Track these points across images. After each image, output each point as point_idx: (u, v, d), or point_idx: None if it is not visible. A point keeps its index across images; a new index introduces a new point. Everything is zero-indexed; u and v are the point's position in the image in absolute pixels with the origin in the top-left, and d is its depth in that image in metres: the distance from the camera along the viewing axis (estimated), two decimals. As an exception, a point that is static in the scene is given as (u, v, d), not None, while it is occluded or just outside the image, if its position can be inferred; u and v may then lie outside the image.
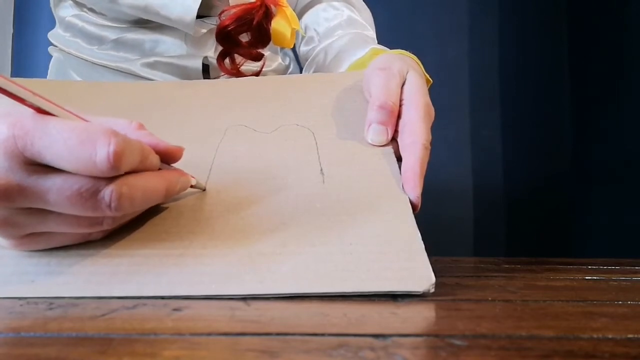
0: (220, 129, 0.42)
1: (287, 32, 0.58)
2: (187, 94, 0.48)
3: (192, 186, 0.35)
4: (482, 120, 1.38)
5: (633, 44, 1.22)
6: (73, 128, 0.25)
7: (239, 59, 0.60)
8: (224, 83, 0.52)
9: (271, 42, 0.59)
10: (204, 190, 0.36)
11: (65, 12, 0.63)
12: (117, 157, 0.26)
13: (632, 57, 1.21)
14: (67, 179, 0.26)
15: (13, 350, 0.18)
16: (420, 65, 0.47)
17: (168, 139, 0.34)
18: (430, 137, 0.40)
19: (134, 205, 0.29)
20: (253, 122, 0.43)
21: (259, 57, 0.61)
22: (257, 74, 0.63)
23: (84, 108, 0.42)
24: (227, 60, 0.59)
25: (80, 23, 0.61)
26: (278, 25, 0.58)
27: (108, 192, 0.27)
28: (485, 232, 1.37)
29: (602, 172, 1.29)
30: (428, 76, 0.47)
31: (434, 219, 1.26)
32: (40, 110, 0.26)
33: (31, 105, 0.26)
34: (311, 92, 0.47)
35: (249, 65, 0.62)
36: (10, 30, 1.15)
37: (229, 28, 0.56)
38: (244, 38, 0.59)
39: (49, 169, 0.26)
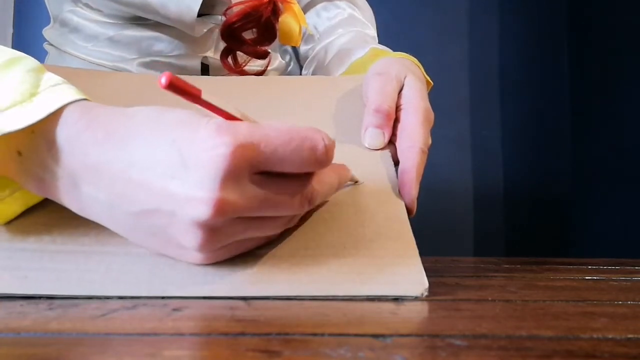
0: None
1: (295, 30, 0.58)
2: None
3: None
4: (482, 120, 1.38)
5: (633, 44, 1.22)
6: (287, 131, 0.27)
7: (243, 57, 0.59)
8: (225, 81, 0.51)
9: (275, 40, 0.59)
10: (356, 183, 0.36)
11: (60, 7, 0.62)
12: (331, 149, 0.28)
13: (632, 57, 1.21)
14: (282, 183, 0.27)
15: (13, 350, 0.18)
16: (420, 68, 0.47)
17: None
18: (429, 142, 0.40)
19: (319, 201, 0.31)
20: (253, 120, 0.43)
21: (264, 55, 0.60)
22: (262, 73, 0.63)
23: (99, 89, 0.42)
24: (230, 59, 0.59)
25: (75, 19, 0.60)
26: (286, 22, 0.58)
27: (309, 189, 0.29)
28: (485, 232, 1.37)
29: (601, 172, 1.29)
30: (429, 78, 0.47)
31: (434, 219, 1.26)
32: (230, 117, 0.27)
33: (225, 114, 0.27)
34: (311, 94, 0.47)
35: (251, 66, 0.61)
36: (10, 30, 1.15)
37: (236, 25, 0.56)
38: (248, 35, 0.58)
39: (266, 176, 0.27)
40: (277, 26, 0.58)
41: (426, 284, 0.30)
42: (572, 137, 1.38)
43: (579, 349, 0.19)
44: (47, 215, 0.32)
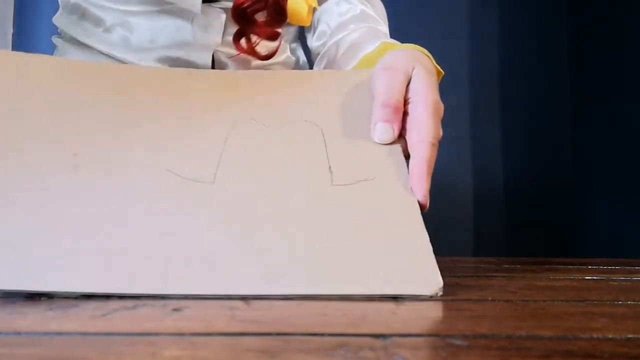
0: (229, 121, 0.42)
1: (304, 10, 0.58)
2: (197, 82, 0.47)
3: None
4: (482, 120, 1.38)
5: (633, 44, 1.22)
6: None
7: (254, 38, 0.60)
8: (234, 74, 0.51)
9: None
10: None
11: None
12: None
13: (633, 57, 1.21)
14: None
15: (13, 350, 0.18)
16: (430, 58, 0.46)
17: (175, 127, 0.38)
18: (440, 134, 0.40)
19: None
20: (262, 116, 0.43)
21: (275, 36, 0.61)
22: (273, 53, 0.63)
23: (89, 89, 0.43)
24: (243, 41, 0.59)
25: (84, 5, 0.62)
26: (294, 2, 0.58)
27: None
28: (485, 232, 1.37)
29: (602, 171, 1.29)
30: (439, 68, 0.47)
31: (434, 219, 1.25)
32: None
33: None
34: (320, 88, 0.47)
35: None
36: (10, 30, 1.15)
37: (245, 5, 0.57)
38: (260, 18, 0.59)
39: None
40: (287, 7, 0.58)
41: (441, 282, 0.29)
42: (572, 137, 1.38)
43: (579, 349, 0.19)
44: (53, 210, 0.32)
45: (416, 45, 0.47)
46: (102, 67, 0.49)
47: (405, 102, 0.41)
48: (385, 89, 0.41)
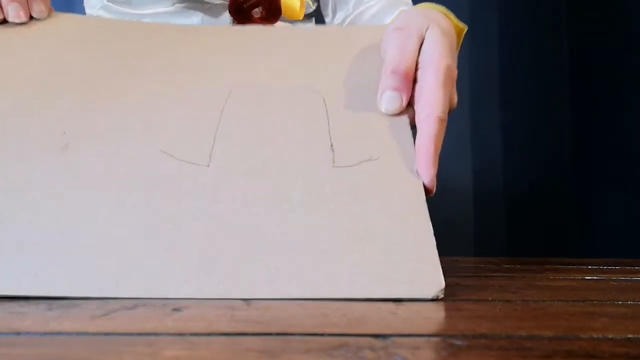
0: (225, 89, 0.39)
1: (296, 5, 0.60)
2: (193, 42, 0.44)
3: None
4: (482, 120, 1.38)
5: (634, 44, 1.22)
6: None
7: None
8: (232, 32, 0.48)
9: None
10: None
11: (94, 8, 0.66)
12: None
13: (633, 57, 1.21)
14: None
15: (13, 350, 0.18)
16: (449, 16, 0.43)
17: (170, 97, 0.37)
18: (454, 101, 0.38)
19: None
20: (260, 81, 0.40)
21: None
22: None
23: (88, 44, 0.42)
24: None
25: (107, 15, 0.64)
26: None
27: None
28: (485, 232, 1.37)
29: (602, 172, 1.29)
30: (461, 25, 0.44)
31: (434, 219, 1.25)
32: None
33: None
34: (324, 48, 0.44)
35: None
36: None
37: (241, 1, 0.59)
38: (256, 14, 0.61)
39: None
40: (281, 2, 0.60)
41: (442, 284, 0.28)
42: (572, 137, 1.38)
43: (579, 349, 0.19)
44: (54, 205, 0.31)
45: (434, 4, 0.44)
46: (89, 22, 0.46)
47: (416, 67, 0.38)
48: (396, 53, 0.38)
